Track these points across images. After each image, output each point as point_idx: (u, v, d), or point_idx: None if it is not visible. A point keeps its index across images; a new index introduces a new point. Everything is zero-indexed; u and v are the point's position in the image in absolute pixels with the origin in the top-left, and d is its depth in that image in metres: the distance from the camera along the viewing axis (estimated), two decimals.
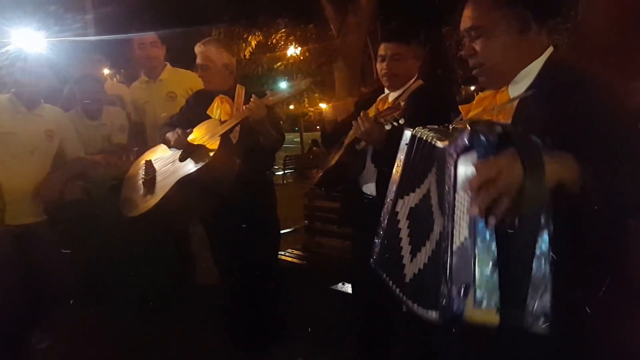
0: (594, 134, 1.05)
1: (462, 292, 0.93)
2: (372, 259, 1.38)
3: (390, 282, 1.28)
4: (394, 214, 1.32)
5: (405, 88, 2.09)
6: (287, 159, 12.51)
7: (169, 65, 3.29)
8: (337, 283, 3.23)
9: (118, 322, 2.83)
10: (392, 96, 2.12)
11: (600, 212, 1.03)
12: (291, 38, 14.46)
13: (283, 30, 14.09)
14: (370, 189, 2.11)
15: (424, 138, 1.20)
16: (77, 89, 3.04)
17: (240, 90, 2.50)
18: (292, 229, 3.49)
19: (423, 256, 1.15)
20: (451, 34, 14.15)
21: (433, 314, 1.03)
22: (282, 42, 14.80)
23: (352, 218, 2.33)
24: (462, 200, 0.98)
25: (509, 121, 1.16)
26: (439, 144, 1.12)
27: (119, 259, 2.79)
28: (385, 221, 1.35)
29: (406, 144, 1.30)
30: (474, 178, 0.92)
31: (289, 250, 3.49)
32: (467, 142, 0.97)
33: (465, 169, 0.97)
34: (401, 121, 1.72)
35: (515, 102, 1.18)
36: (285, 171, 12.44)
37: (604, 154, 1.03)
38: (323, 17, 11.52)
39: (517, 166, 0.90)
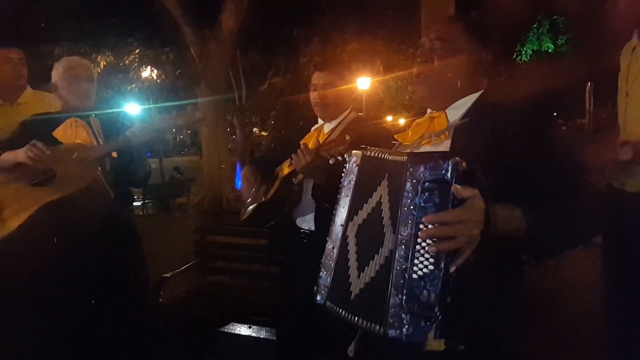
0: (526, 161, 1.13)
1: (425, 323, 0.98)
2: (318, 297, 1.20)
3: (339, 310, 1.15)
4: (344, 238, 1.21)
5: (341, 119, 2.06)
6: (147, 188, 11.58)
7: (29, 88, 2.79)
8: (239, 326, 3.01)
9: None
10: (328, 127, 2.07)
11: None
12: (145, 60, 13.70)
13: (137, 51, 13.30)
14: (305, 222, 2.02)
15: (377, 155, 1.18)
16: None
17: (95, 119, 2.23)
18: (182, 268, 3.16)
19: (371, 269, 1.11)
20: (307, 66, 14.81)
21: (378, 329, 1.04)
22: (136, 64, 13.95)
23: (283, 254, 2.20)
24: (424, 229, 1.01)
25: (448, 148, 1.21)
26: (397, 158, 1.12)
27: None
28: (336, 250, 1.21)
29: (357, 165, 1.22)
30: (441, 218, 0.98)
31: (176, 294, 3.15)
32: (438, 172, 1.00)
33: (430, 199, 1.01)
34: (347, 156, 1.66)
35: (452, 130, 1.23)
36: (145, 201, 11.49)
37: (539, 182, 1.11)
38: (181, 40, 11.21)
39: (482, 210, 0.99)
